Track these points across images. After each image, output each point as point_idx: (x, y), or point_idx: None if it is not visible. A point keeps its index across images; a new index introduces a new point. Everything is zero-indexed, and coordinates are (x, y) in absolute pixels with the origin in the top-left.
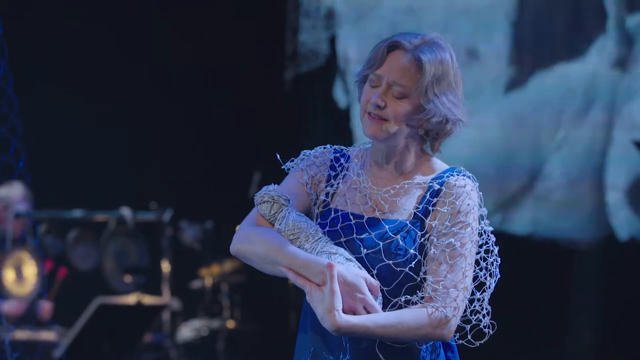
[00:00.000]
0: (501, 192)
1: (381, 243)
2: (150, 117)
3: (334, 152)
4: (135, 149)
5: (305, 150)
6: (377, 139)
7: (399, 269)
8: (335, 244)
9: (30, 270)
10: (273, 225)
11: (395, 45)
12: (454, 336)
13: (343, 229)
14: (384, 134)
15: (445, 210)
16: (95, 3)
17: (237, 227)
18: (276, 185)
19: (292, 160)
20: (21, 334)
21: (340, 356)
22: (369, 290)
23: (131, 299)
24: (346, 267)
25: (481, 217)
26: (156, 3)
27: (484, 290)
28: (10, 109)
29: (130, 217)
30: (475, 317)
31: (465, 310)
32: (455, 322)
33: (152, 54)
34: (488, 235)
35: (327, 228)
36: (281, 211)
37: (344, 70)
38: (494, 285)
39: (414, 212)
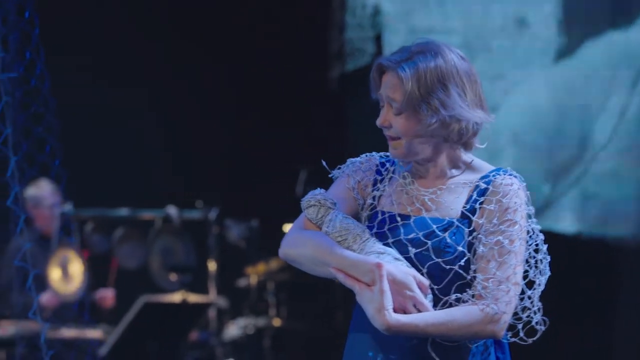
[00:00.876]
0: (551, 161)
1: (429, 242)
2: (197, 116)
3: (379, 158)
4: (181, 147)
5: (350, 158)
6: (399, 158)
7: (448, 267)
8: (383, 245)
9: (76, 268)
10: (320, 228)
11: (380, 67)
12: (506, 334)
13: (390, 230)
14: (402, 151)
15: (493, 208)
16: None
17: (285, 230)
18: (322, 189)
19: (339, 168)
20: (68, 332)
21: (392, 355)
22: (419, 288)
23: (176, 297)
24: (395, 265)
25: (529, 216)
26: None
27: (535, 288)
28: (46, 108)
29: (176, 216)
30: (526, 314)
31: (516, 308)
32: (506, 319)
33: (198, 51)
34: (536, 234)
35: (375, 230)
36: (328, 214)
37: None
38: (544, 282)
39: (462, 211)
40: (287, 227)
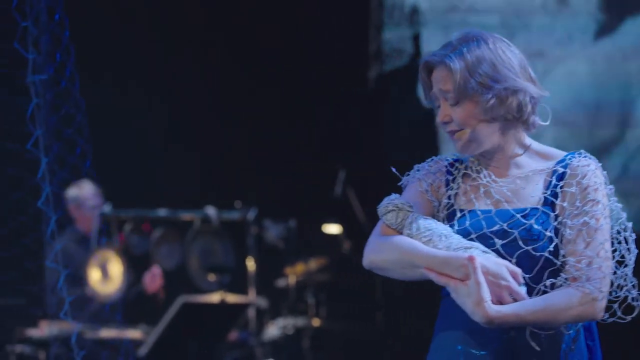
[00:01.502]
0: (591, 140)
1: (516, 231)
2: (234, 116)
3: (446, 159)
4: (220, 148)
5: (417, 165)
6: (467, 152)
7: (538, 253)
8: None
9: (116, 268)
10: (400, 233)
11: (427, 65)
12: (604, 315)
13: (472, 225)
14: (468, 141)
15: (574, 191)
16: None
17: (324, 230)
18: (396, 194)
19: (407, 175)
20: (107, 332)
21: (484, 349)
22: (513, 277)
23: (215, 297)
24: (485, 257)
25: (609, 195)
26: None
27: (626, 264)
28: (77, 110)
29: (215, 216)
30: (622, 292)
31: (611, 286)
32: (603, 298)
33: (235, 51)
34: (619, 212)
35: (457, 227)
36: (407, 217)
37: None
38: (633, 259)
39: (544, 197)
40: (326, 227)
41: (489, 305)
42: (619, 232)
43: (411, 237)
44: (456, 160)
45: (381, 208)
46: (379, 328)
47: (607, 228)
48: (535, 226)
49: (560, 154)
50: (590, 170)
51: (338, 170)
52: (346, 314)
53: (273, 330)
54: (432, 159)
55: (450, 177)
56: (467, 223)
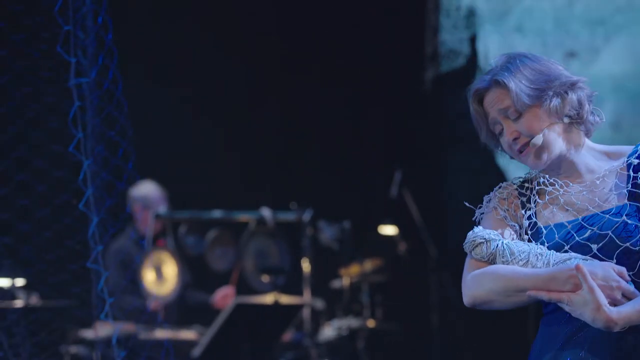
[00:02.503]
0: None
1: (609, 231)
2: (289, 118)
3: (514, 183)
4: (275, 149)
5: (486, 196)
6: (539, 163)
7: (637, 248)
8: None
9: (171, 269)
10: (492, 264)
11: (477, 94)
12: None
13: (562, 238)
14: (538, 153)
15: None
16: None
17: (381, 231)
18: (479, 227)
19: (479, 207)
20: (161, 333)
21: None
22: (619, 277)
23: (269, 298)
24: (591, 263)
25: None
26: (298, 3)
27: None
28: (120, 112)
29: (270, 218)
30: None
31: None
32: None
33: (291, 53)
34: None
35: (547, 244)
36: (497, 246)
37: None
38: None
39: (627, 192)
40: (382, 228)
41: (609, 309)
42: None
43: (507, 264)
44: (524, 181)
45: (468, 244)
46: (434, 329)
47: None
48: (629, 222)
49: (628, 148)
50: None
51: (394, 171)
52: (401, 315)
53: (329, 331)
54: (500, 186)
55: (524, 198)
56: (557, 237)
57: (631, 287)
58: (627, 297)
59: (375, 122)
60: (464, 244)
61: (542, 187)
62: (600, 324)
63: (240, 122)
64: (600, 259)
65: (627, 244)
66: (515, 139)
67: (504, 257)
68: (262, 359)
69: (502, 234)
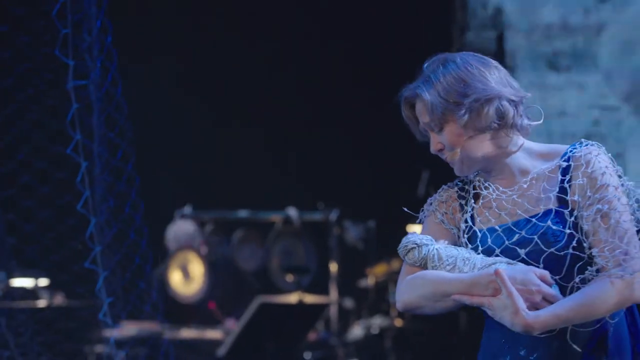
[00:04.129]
0: None
1: (535, 236)
2: (315, 118)
3: (455, 185)
4: (301, 148)
5: (430, 198)
6: (465, 172)
7: (562, 252)
8: (493, 257)
9: (197, 269)
10: (426, 269)
11: (407, 101)
12: None
13: (494, 242)
14: (461, 159)
15: (582, 182)
16: None
17: (409, 230)
18: (413, 232)
19: (422, 211)
20: (187, 332)
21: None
22: (542, 281)
23: (293, 298)
24: (511, 268)
25: (619, 176)
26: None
27: None
28: (120, 113)
29: (296, 217)
30: None
31: None
32: (638, 278)
33: (314, 53)
34: (634, 190)
35: (480, 248)
36: (429, 251)
37: (512, 68)
38: None
39: (555, 196)
40: (411, 228)
41: (526, 313)
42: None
43: (436, 269)
44: (465, 183)
45: (401, 249)
46: (462, 329)
47: (624, 208)
48: (553, 227)
49: (563, 148)
50: (593, 157)
51: (421, 170)
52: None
53: (357, 330)
54: (443, 187)
55: (463, 201)
56: (489, 241)
57: (553, 291)
58: (549, 301)
59: (402, 121)
60: (398, 248)
61: (477, 190)
62: (519, 328)
63: (266, 122)
64: (528, 264)
65: (552, 249)
66: (440, 150)
67: (433, 263)
68: (287, 358)
69: (438, 238)
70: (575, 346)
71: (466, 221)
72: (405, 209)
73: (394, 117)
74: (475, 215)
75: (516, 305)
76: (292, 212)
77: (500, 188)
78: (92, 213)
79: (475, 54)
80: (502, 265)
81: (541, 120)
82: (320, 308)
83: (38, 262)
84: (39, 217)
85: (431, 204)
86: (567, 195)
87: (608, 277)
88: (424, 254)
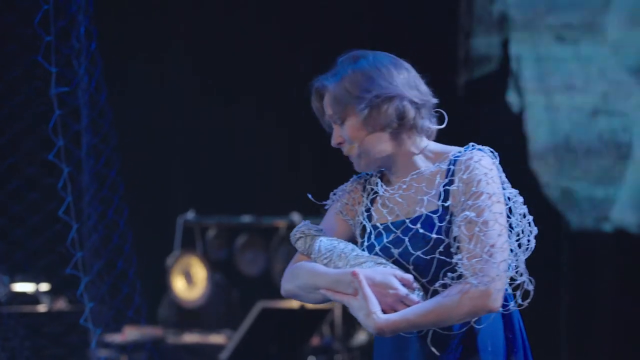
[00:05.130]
0: None
1: (406, 237)
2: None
3: (364, 177)
4: (305, 153)
5: (341, 186)
6: (362, 169)
7: (429, 257)
8: (375, 254)
9: (200, 274)
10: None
11: (316, 92)
12: (508, 304)
13: (376, 239)
14: (358, 159)
15: (458, 187)
16: None
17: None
18: (307, 221)
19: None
20: (190, 337)
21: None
22: (404, 284)
23: (295, 303)
24: (373, 269)
25: (502, 183)
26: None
27: (522, 252)
28: (103, 120)
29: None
30: (520, 278)
31: (508, 274)
32: (497, 290)
33: (321, 59)
34: (515, 199)
35: (366, 244)
36: (314, 242)
37: (517, 74)
38: (531, 244)
39: (430, 199)
40: None
41: (378, 316)
42: (520, 221)
43: (315, 261)
44: (371, 177)
45: (291, 237)
46: None
47: (495, 218)
48: (421, 230)
49: (454, 150)
50: (473, 162)
51: None
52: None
53: (362, 335)
54: (353, 178)
55: (365, 194)
56: (373, 237)
57: (412, 295)
58: (407, 305)
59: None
60: (290, 234)
61: (372, 186)
62: (370, 330)
63: (271, 127)
64: (400, 264)
65: (419, 253)
66: (340, 144)
67: (313, 254)
68: None
69: (333, 228)
70: (434, 349)
71: (362, 214)
72: (310, 196)
73: None
74: (372, 210)
75: (369, 308)
76: (296, 217)
77: (384, 186)
78: (74, 219)
79: (390, 55)
80: (370, 264)
81: (444, 125)
82: (323, 313)
83: (26, 267)
84: (27, 223)
85: (335, 193)
86: (446, 200)
87: (464, 285)
88: (309, 245)
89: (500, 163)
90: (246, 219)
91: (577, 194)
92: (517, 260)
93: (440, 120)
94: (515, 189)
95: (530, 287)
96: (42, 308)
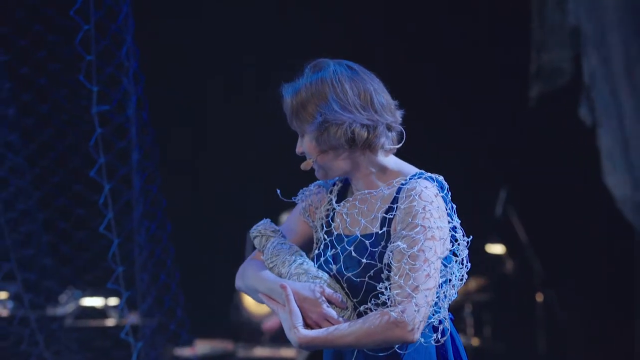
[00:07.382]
0: None
1: (342, 256)
2: None
3: (334, 182)
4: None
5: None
6: (324, 179)
7: (359, 279)
8: (319, 265)
9: None
10: None
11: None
12: (430, 336)
13: (324, 249)
14: (318, 172)
15: (398, 216)
16: None
17: (487, 249)
18: (268, 219)
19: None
20: (261, 351)
21: None
22: (331, 302)
23: None
24: (302, 284)
25: (449, 215)
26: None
27: (449, 285)
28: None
29: None
30: (437, 314)
31: (432, 307)
32: (414, 321)
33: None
34: (458, 231)
35: (315, 252)
36: (268, 242)
37: (590, 88)
38: (463, 278)
39: (369, 223)
40: (490, 247)
41: (298, 330)
42: (457, 254)
43: (265, 263)
44: (335, 184)
45: (250, 233)
46: (541, 350)
47: (424, 251)
48: (354, 254)
49: (408, 171)
50: (415, 193)
51: (499, 189)
52: (507, 333)
53: None
54: (325, 181)
55: (329, 198)
56: (321, 247)
57: (333, 313)
58: (331, 323)
59: (480, 139)
60: (250, 230)
61: (329, 195)
62: (292, 343)
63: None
64: (337, 279)
65: (349, 274)
66: (302, 153)
67: (264, 256)
68: None
69: (295, 228)
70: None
71: (322, 218)
72: (279, 192)
73: (473, 135)
74: (333, 216)
75: (291, 322)
76: None
77: (342, 201)
78: (115, 234)
79: (352, 67)
80: (306, 277)
81: (400, 145)
82: None
83: (74, 281)
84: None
85: (303, 192)
86: (381, 226)
87: (381, 314)
88: (264, 245)
89: (572, 178)
90: None
91: None
92: (451, 290)
93: (400, 137)
94: (589, 203)
95: (447, 325)
96: (109, 322)
